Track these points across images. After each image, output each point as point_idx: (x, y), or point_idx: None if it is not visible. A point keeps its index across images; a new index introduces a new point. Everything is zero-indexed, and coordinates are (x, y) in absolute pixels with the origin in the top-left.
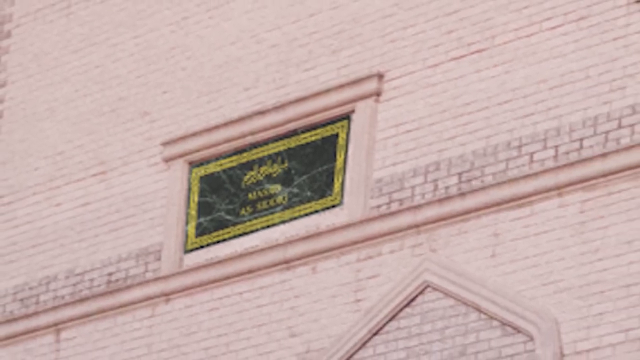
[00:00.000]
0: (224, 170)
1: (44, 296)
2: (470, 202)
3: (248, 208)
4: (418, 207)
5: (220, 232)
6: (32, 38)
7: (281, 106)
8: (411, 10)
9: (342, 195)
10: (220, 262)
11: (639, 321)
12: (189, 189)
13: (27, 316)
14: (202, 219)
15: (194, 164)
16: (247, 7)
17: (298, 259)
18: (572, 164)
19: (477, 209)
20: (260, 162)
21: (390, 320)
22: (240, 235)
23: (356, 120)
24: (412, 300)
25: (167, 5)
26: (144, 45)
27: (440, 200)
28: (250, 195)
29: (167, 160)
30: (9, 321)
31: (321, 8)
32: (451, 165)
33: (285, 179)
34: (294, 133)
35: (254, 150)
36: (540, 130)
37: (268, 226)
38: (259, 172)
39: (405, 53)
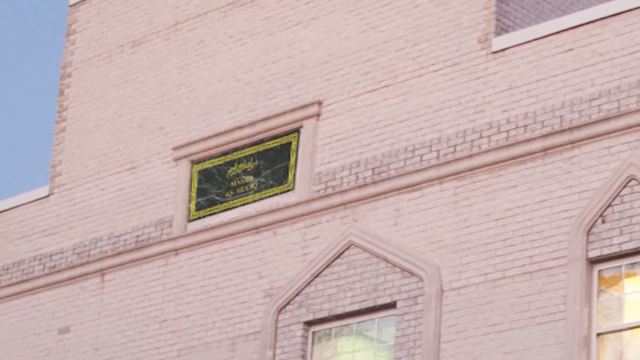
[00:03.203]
0: (214, 166)
1: (93, 251)
2: (380, 188)
3: (230, 192)
4: (345, 191)
5: (212, 208)
6: (85, 77)
7: (253, 123)
8: (340, 59)
9: (294, 183)
10: (211, 228)
11: (493, 268)
12: (191, 179)
13: (81, 265)
14: (199, 199)
15: (194, 162)
16: (229, 57)
17: (264, 226)
18: (448, 162)
19: (384, 193)
20: (239, 161)
21: (326, 267)
22: (225, 210)
23: (303, 133)
24: (341, 254)
25: (176, 56)
26: (161, 82)
27: (360, 187)
28: (232, 183)
29: (176, 159)
30: (69, 268)
31: (280, 57)
32: (367, 163)
33: (256, 172)
34: (261, 141)
35: (235, 153)
36: (427, 139)
37: (244, 204)
38: (238, 167)
39: (336, 87)
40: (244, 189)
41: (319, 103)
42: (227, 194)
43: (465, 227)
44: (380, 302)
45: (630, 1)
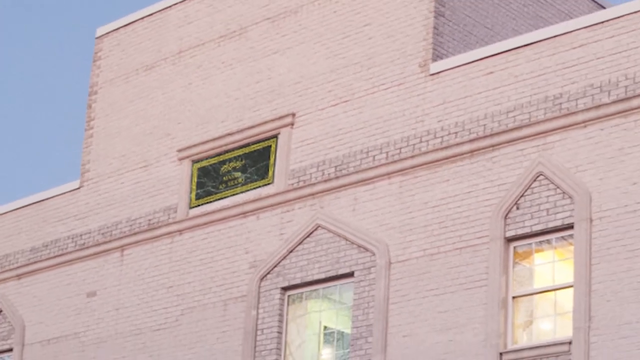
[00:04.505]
0: (210, 165)
1: (114, 232)
2: (341, 182)
3: (223, 185)
4: (313, 184)
5: (208, 197)
6: (108, 94)
7: (240, 130)
8: (309, 79)
9: (273, 178)
10: (208, 213)
11: (431, 245)
12: (192, 175)
13: (105, 242)
14: (198, 191)
15: (194, 161)
16: (222, 78)
17: (250, 212)
18: (395, 162)
19: (344, 186)
20: (230, 160)
21: (298, 244)
22: (219, 199)
23: (281, 138)
24: (310, 234)
25: (180, 77)
26: (168, 98)
27: (325, 181)
28: (224, 178)
29: (180, 159)
30: (95, 245)
31: (261, 78)
32: (331, 162)
33: (243, 169)
34: (247, 145)
35: (226, 154)
36: (378, 143)
37: (234, 194)
38: (229, 165)
39: (306, 102)
40: (234, 182)
41: (293, 115)
42: (220, 187)
43: (408, 212)
44: (341, 272)
45: (539, 34)
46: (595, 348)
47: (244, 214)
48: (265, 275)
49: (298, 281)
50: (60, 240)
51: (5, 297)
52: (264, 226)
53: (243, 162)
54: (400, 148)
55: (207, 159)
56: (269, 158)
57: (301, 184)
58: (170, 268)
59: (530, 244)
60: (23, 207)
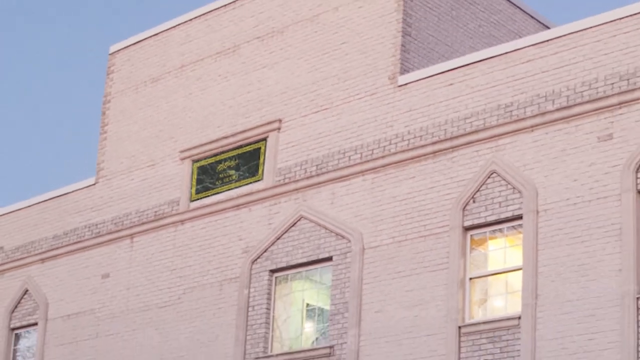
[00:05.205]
0: (208, 164)
1: (125, 222)
2: (321, 179)
3: (219, 181)
4: (297, 181)
5: (206, 192)
6: (119, 103)
7: (234, 134)
8: (294, 90)
9: (262, 175)
10: (206, 206)
11: (399, 233)
12: (192, 173)
13: (117, 231)
14: (198, 186)
15: (194, 161)
16: (218, 89)
17: (243, 205)
18: (368, 161)
19: (324, 182)
20: (225, 160)
21: (284, 233)
22: (215, 194)
23: (269, 141)
24: (295, 223)
25: (182, 88)
26: (171, 106)
27: (307, 178)
28: (220, 175)
29: (182, 159)
30: (109, 233)
31: (252, 89)
32: (312, 162)
33: (236, 168)
34: (240, 147)
35: (222, 154)
36: (353, 145)
37: (228, 190)
38: (224, 164)
39: (291, 110)
40: (228, 179)
41: (280, 120)
42: (217, 183)
43: (379, 205)
44: (321, 256)
45: (492, 51)
46: (541, 322)
47: (237, 206)
48: (256, 260)
49: (284, 264)
50: (78, 229)
51: (31, 278)
52: (255, 217)
53: (236, 161)
54: (373, 149)
55: (205, 158)
56: (259, 158)
57: (287, 180)
58: (174, 253)
59: (485, 232)
60: (46, 200)
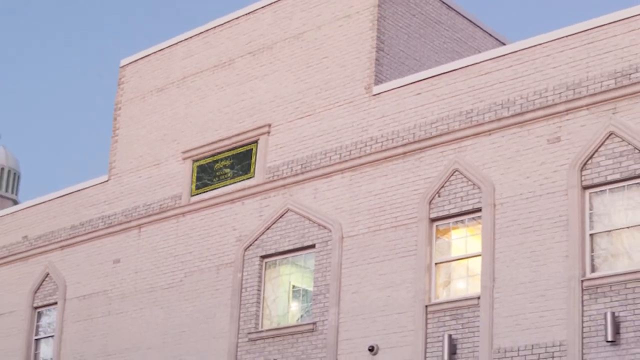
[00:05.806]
0: (206, 163)
1: (134, 214)
2: (306, 176)
3: (216, 179)
4: (284, 178)
5: (205, 188)
6: (129, 110)
7: (229, 137)
8: (282, 98)
9: (254, 173)
10: (205, 200)
11: (373, 224)
12: (192, 171)
13: (127, 222)
14: (197, 183)
15: (194, 161)
16: (216, 98)
17: (237, 199)
18: (346, 161)
19: (308, 179)
20: (221, 160)
21: (273, 223)
22: (213, 189)
23: (260, 143)
24: (282, 215)
25: (184, 97)
26: (174, 113)
27: (293, 176)
28: (217, 173)
29: (184, 159)
30: (119, 224)
31: (245, 98)
32: (298, 161)
33: (231, 167)
34: (234, 148)
35: (219, 155)
36: (333, 147)
37: (224, 186)
38: (220, 164)
39: (279, 116)
40: (224, 177)
41: (269, 125)
42: (214, 180)
43: (356, 199)
44: (306, 244)
45: (455, 64)
46: (498, 302)
47: (232, 200)
48: (248, 247)
49: (273, 251)
50: (93, 220)
51: (52, 263)
52: (247, 210)
53: (231, 161)
54: (350, 150)
55: (204, 158)
56: (251, 158)
57: (275, 177)
58: (176, 241)
59: (449, 223)
60: (64, 195)
